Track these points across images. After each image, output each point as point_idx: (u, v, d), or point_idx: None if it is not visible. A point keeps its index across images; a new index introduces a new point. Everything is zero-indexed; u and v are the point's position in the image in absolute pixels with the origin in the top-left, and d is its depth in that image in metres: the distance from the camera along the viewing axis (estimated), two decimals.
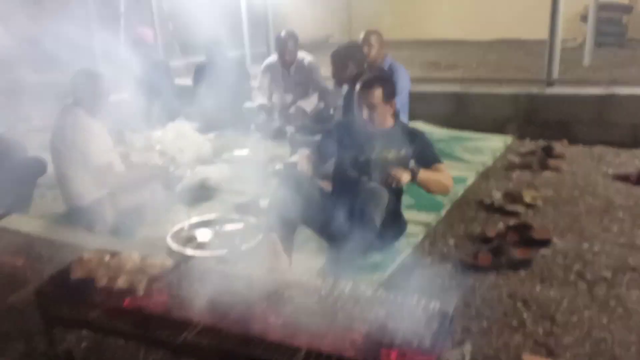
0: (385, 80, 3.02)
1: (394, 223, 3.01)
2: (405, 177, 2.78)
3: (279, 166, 4.08)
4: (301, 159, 3.13)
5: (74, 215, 3.67)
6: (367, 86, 2.96)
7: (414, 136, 3.04)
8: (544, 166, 4.31)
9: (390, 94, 2.97)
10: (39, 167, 4.21)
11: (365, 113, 2.96)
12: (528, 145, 4.95)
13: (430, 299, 1.93)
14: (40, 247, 3.39)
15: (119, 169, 3.65)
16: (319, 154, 3.15)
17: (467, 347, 1.85)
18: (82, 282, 2.20)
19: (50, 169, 3.94)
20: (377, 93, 2.92)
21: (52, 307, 2.16)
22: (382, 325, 1.81)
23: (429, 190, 2.96)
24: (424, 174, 2.85)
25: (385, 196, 2.91)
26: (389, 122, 3.04)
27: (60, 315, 2.16)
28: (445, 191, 3.04)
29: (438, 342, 1.72)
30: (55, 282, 2.26)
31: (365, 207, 2.73)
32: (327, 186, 3.19)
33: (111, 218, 3.52)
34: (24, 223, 3.74)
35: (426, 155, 2.99)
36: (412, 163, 2.93)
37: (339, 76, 4.14)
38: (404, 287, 2.64)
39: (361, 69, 4.07)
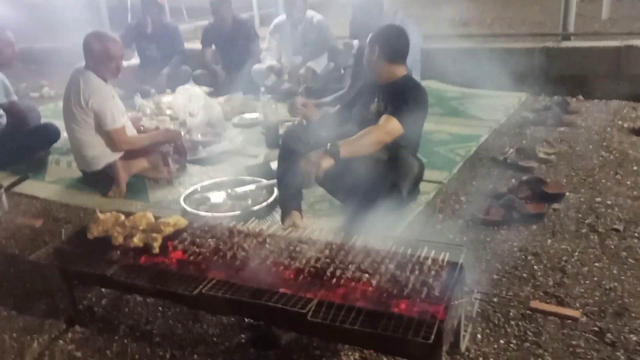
0: (386, 39, 2.96)
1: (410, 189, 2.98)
2: (324, 163, 2.54)
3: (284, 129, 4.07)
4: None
5: (88, 180, 3.72)
6: (371, 39, 2.98)
7: (399, 90, 2.91)
8: (558, 122, 4.26)
9: (388, 53, 2.93)
10: (53, 134, 4.28)
11: (367, 67, 3.01)
12: (543, 101, 4.89)
13: (439, 251, 1.95)
14: (56, 211, 3.46)
15: (131, 133, 3.68)
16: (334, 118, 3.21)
17: (476, 296, 1.87)
18: (99, 241, 2.25)
19: (64, 134, 4.00)
20: (375, 48, 2.92)
21: (71, 265, 2.22)
22: (392, 277, 1.84)
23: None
24: (345, 148, 2.60)
25: (416, 166, 2.94)
26: (386, 77, 2.98)
27: (79, 273, 2.22)
28: (375, 146, 2.74)
29: (447, 291, 1.74)
30: (73, 242, 2.32)
31: (394, 177, 2.75)
32: (311, 111, 3.30)
33: (124, 182, 3.56)
34: (40, 188, 3.81)
35: (388, 107, 2.87)
36: (329, 144, 2.61)
37: (356, 29, 4.11)
38: (414, 242, 2.68)
39: (379, 22, 4.02)
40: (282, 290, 1.84)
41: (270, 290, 1.84)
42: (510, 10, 8.25)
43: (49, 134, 4.30)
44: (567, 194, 3.08)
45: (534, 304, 1.83)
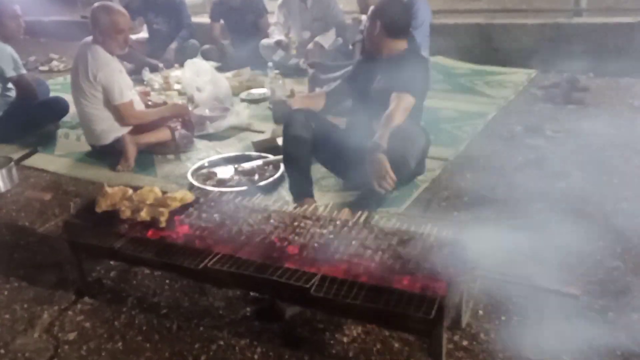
0: (389, 14, 2.92)
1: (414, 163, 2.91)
2: (383, 162, 2.54)
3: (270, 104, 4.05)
4: (297, 99, 3.21)
5: (97, 154, 3.76)
6: (372, 14, 2.96)
7: (403, 63, 2.90)
8: (567, 99, 4.22)
9: (390, 28, 2.91)
10: (62, 108, 4.30)
11: (368, 42, 3.01)
12: (552, 78, 4.83)
13: (442, 228, 1.97)
14: (66, 184, 3.50)
15: (139, 107, 3.70)
16: (336, 94, 3.17)
17: (478, 274, 1.89)
18: (107, 214, 2.29)
19: (73, 108, 4.02)
20: (377, 24, 2.90)
21: (79, 238, 2.26)
22: (394, 253, 1.86)
23: None
24: (383, 140, 2.61)
25: (422, 137, 2.94)
26: (385, 50, 2.98)
27: (87, 246, 2.26)
28: (402, 121, 2.77)
29: (449, 268, 1.76)
30: (81, 215, 2.35)
31: (400, 148, 2.67)
32: (339, 122, 3.18)
33: (133, 156, 3.59)
34: (49, 162, 3.85)
35: (397, 79, 2.84)
36: (372, 144, 2.61)
37: (364, 4, 4.08)
38: (419, 219, 2.70)
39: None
40: (286, 265, 1.88)
41: (275, 265, 1.87)
42: None
43: (58, 108, 4.32)
44: (573, 172, 3.07)
45: (536, 281, 1.84)
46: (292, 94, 4.50)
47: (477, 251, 2.35)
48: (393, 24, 2.92)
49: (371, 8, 3.02)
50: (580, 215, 2.68)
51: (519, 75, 4.95)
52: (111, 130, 3.59)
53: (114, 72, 3.47)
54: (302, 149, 2.80)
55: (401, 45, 2.97)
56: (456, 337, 1.97)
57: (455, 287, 1.75)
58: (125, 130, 3.63)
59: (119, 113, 3.54)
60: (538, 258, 2.37)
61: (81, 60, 3.49)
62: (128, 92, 3.54)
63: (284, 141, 2.88)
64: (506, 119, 4.03)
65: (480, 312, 2.09)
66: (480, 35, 5.39)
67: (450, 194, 3.01)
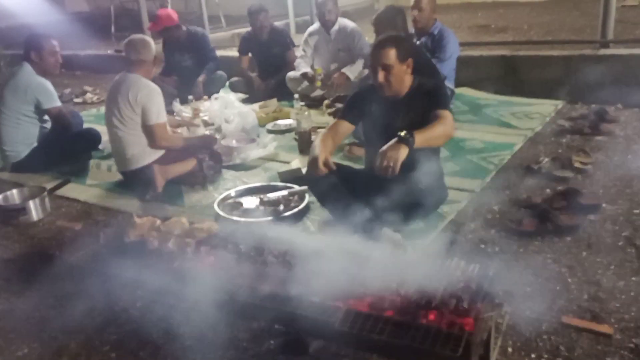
0: (399, 40, 2.84)
1: (436, 189, 2.97)
2: (401, 155, 2.46)
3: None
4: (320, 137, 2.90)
5: (127, 183, 3.83)
6: (380, 47, 2.78)
7: (426, 92, 2.83)
8: (596, 131, 4.17)
9: (405, 54, 2.78)
10: (94, 139, 4.43)
11: (381, 76, 2.77)
12: (580, 109, 4.78)
13: (469, 262, 1.95)
14: (96, 213, 3.57)
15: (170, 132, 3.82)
16: (346, 116, 3.03)
17: (506, 309, 1.86)
18: (135, 244, 2.32)
19: (105, 139, 4.14)
20: (391, 53, 2.74)
21: (108, 267, 2.30)
22: (421, 287, 1.84)
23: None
24: (419, 137, 2.53)
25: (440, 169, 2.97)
26: (407, 85, 2.87)
27: (115, 275, 2.29)
28: (447, 138, 2.76)
29: (476, 303, 1.74)
30: (110, 245, 2.40)
31: (407, 177, 2.65)
32: (359, 152, 3.19)
33: (161, 186, 3.66)
34: (81, 192, 3.94)
35: (433, 103, 2.75)
36: (403, 133, 2.53)
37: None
38: (445, 252, 2.67)
39: (405, 35, 4.03)
40: (311, 298, 1.87)
41: (299, 298, 1.87)
42: (548, 16, 8.11)
43: (91, 139, 4.45)
44: (603, 205, 3.02)
45: (566, 319, 1.80)
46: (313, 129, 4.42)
47: (505, 286, 2.32)
48: (406, 47, 2.82)
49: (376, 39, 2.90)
50: (612, 249, 2.62)
51: (545, 107, 4.91)
52: (141, 155, 3.69)
53: (153, 93, 3.65)
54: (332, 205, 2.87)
55: (406, 70, 2.83)
56: None
57: (482, 324, 1.72)
58: (155, 156, 3.72)
59: (153, 134, 3.66)
60: (568, 293, 2.32)
61: (120, 86, 3.66)
62: (164, 114, 3.72)
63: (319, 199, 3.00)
64: (533, 150, 3.99)
65: (510, 349, 2.05)
66: (506, 67, 5.39)
67: (477, 227, 2.98)
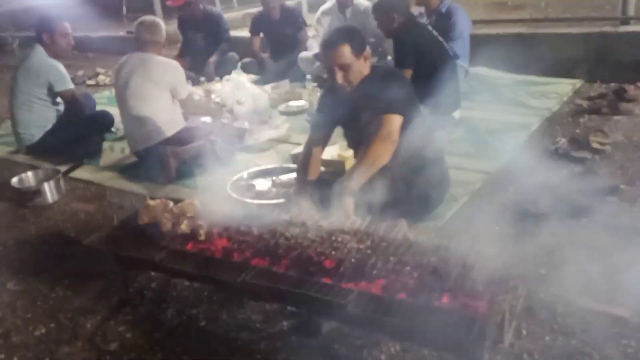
0: (350, 33, 2.58)
1: (436, 185, 2.77)
2: (348, 207, 2.31)
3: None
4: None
5: (141, 163, 3.84)
6: (330, 46, 2.51)
7: (373, 86, 2.54)
8: (614, 110, 4.08)
9: (360, 45, 2.52)
10: (107, 121, 4.44)
11: (339, 77, 2.50)
12: (598, 88, 4.68)
13: (483, 245, 1.92)
14: (110, 195, 3.59)
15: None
16: (317, 130, 2.85)
17: (521, 292, 1.84)
18: (149, 226, 2.33)
19: (117, 121, 4.14)
20: (345, 50, 2.47)
21: (122, 249, 2.31)
22: (434, 270, 1.82)
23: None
24: (353, 181, 2.34)
25: (446, 178, 2.85)
26: (362, 76, 2.57)
27: (129, 257, 2.30)
28: (386, 157, 2.41)
29: (490, 286, 1.72)
30: (124, 227, 2.41)
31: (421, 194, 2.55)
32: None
33: (174, 168, 3.66)
34: (95, 174, 3.96)
35: (376, 108, 2.48)
36: (335, 188, 2.37)
37: (385, 29, 4.04)
38: (459, 234, 2.64)
39: (407, 17, 3.95)
40: (323, 280, 1.86)
41: (311, 280, 1.87)
42: None
43: (104, 121, 4.47)
44: (621, 186, 2.96)
45: (582, 301, 1.77)
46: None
47: (520, 269, 2.29)
48: (359, 38, 2.56)
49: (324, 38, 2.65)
50: (629, 231, 2.57)
51: (563, 86, 4.82)
52: (156, 131, 3.72)
53: (176, 69, 3.77)
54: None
55: (364, 62, 2.56)
56: (498, 358, 1.91)
57: (496, 306, 1.70)
58: (169, 132, 3.74)
59: (186, 105, 3.87)
60: (584, 276, 2.29)
61: (137, 66, 3.70)
62: (186, 85, 3.91)
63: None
64: (550, 130, 3.93)
65: (524, 331, 2.03)
66: (523, 45, 5.27)
67: (492, 208, 2.93)
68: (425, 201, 2.63)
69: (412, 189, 2.57)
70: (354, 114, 2.65)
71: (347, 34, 2.55)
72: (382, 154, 2.40)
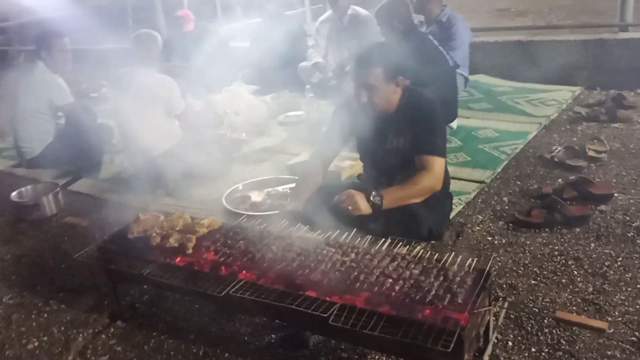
0: (387, 55, 2.46)
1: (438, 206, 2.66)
2: (363, 210, 2.35)
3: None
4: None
5: (138, 177, 3.87)
6: (363, 64, 2.44)
7: (416, 115, 2.50)
8: (613, 117, 4.07)
9: (393, 72, 2.43)
10: (107, 134, 4.48)
11: (363, 96, 2.45)
12: (597, 95, 4.67)
13: (467, 256, 1.92)
14: (107, 209, 3.60)
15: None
16: (332, 141, 2.77)
17: (504, 304, 1.83)
18: (138, 240, 2.35)
19: (117, 134, 4.19)
20: (376, 73, 2.40)
21: (111, 263, 2.33)
22: (416, 282, 1.82)
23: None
24: (390, 198, 2.37)
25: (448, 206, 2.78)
26: (395, 101, 2.52)
27: (119, 271, 2.32)
28: (426, 195, 2.47)
29: (470, 299, 1.71)
30: (114, 240, 2.43)
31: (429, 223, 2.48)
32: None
33: (170, 180, 3.69)
34: (94, 187, 4.00)
35: (419, 143, 2.48)
36: (373, 194, 2.39)
37: (387, 35, 4.05)
38: (451, 244, 2.65)
39: (408, 25, 3.97)
40: (306, 293, 1.87)
41: (295, 293, 1.88)
42: None
43: (104, 134, 4.51)
44: (615, 195, 2.95)
45: (560, 313, 1.77)
46: None
47: (509, 279, 2.29)
48: (394, 64, 2.45)
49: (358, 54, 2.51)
50: (621, 240, 2.56)
51: (562, 93, 4.80)
52: (154, 145, 3.74)
53: (171, 85, 3.78)
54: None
55: (395, 89, 2.49)
56: None
57: (476, 318, 1.70)
58: (165, 146, 3.76)
59: (181, 119, 3.88)
60: (573, 286, 2.28)
61: (133, 81, 3.71)
62: (182, 100, 3.89)
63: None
64: (547, 138, 3.91)
65: (510, 343, 2.02)
66: (522, 53, 5.28)
67: (485, 218, 2.94)
68: (427, 227, 2.51)
69: (418, 217, 2.48)
70: (381, 134, 2.57)
71: (382, 57, 2.43)
72: (424, 194, 2.45)
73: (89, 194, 3.89)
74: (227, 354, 2.16)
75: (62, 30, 4.45)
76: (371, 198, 2.38)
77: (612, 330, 1.99)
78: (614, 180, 3.14)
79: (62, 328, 2.46)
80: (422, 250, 2.04)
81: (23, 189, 3.77)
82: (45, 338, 2.42)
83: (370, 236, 2.16)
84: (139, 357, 2.22)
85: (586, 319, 1.81)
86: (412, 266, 1.91)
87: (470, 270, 1.86)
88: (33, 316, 2.58)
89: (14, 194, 3.69)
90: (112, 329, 2.40)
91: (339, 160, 3.67)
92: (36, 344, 2.39)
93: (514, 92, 5.03)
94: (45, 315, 2.57)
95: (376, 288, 1.82)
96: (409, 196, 2.44)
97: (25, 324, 2.53)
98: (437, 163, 2.46)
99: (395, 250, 2.04)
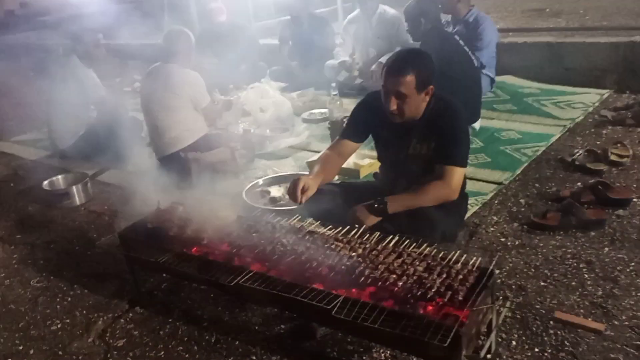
0: (420, 64, 2.38)
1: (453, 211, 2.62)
2: (369, 222, 2.34)
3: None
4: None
5: (164, 170, 3.99)
6: (396, 72, 2.36)
7: (441, 123, 2.46)
8: (639, 122, 3.99)
9: (425, 81, 2.37)
10: (136, 127, 4.62)
11: (392, 103, 2.38)
12: (626, 99, 4.58)
13: (471, 255, 1.95)
14: (133, 199, 3.73)
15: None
16: (348, 138, 2.72)
17: (506, 303, 1.86)
18: (157, 230, 2.45)
19: (145, 127, 4.32)
20: (408, 81, 2.33)
21: (131, 251, 2.44)
22: (419, 278, 1.87)
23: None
24: (394, 205, 2.36)
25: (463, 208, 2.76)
26: (422, 109, 2.48)
27: (137, 259, 2.43)
28: (439, 202, 2.42)
29: (471, 296, 1.75)
30: (135, 230, 2.54)
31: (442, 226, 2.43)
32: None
33: (195, 173, 3.79)
34: (121, 177, 4.13)
35: (441, 152, 2.46)
36: (376, 201, 2.38)
37: (414, 33, 4.06)
38: (464, 245, 2.67)
39: (435, 24, 3.97)
40: (312, 285, 1.93)
41: (302, 285, 1.94)
42: None
43: (133, 127, 4.65)
44: (634, 199, 2.91)
45: (559, 314, 1.78)
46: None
47: (518, 280, 2.30)
48: (427, 73, 2.39)
49: (390, 59, 2.42)
50: (635, 246, 2.54)
51: (590, 96, 4.73)
52: (179, 138, 3.87)
53: (197, 80, 3.87)
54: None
55: (424, 98, 2.44)
56: None
57: (476, 316, 1.73)
58: (191, 139, 3.88)
59: (206, 114, 3.97)
60: (583, 289, 2.28)
61: (160, 77, 3.84)
62: (207, 94, 3.98)
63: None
64: (570, 141, 3.87)
65: (514, 342, 2.04)
66: (551, 54, 5.21)
67: (500, 219, 2.94)
68: (440, 231, 2.46)
69: (432, 220, 2.44)
70: (404, 139, 2.56)
71: (416, 65, 2.37)
72: (435, 200, 2.41)
73: (117, 185, 4.03)
74: (237, 342, 2.24)
75: (96, 26, 4.61)
76: (375, 206, 2.37)
77: (615, 334, 1.99)
78: (634, 186, 3.10)
79: (84, 312, 2.58)
80: (428, 248, 2.07)
81: (54, 178, 3.94)
82: (68, 320, 2.54)
83: (379, 233, 2.21)
84: (154, 341, 2.32)
85: (584, 320, 1.81)
86: (417, 263, 1.96)
87: (474, 269, 1.90)
88: (58, 299, 2.71)
89: (45, 182, 3.86)
90: (130, 314, 2.51)
91: (358, 157, 3.72)
92: (59, 326, 2.52)
93: (541, 94, 4.97)
94: (69, 299, 2.70)
95: (379, 283, 1.88)
96: (417, 205, 2.40)
97: (50, 306, 2.67)
98: (457, 174, 2.43)
99: (402, 247, 2.09)
